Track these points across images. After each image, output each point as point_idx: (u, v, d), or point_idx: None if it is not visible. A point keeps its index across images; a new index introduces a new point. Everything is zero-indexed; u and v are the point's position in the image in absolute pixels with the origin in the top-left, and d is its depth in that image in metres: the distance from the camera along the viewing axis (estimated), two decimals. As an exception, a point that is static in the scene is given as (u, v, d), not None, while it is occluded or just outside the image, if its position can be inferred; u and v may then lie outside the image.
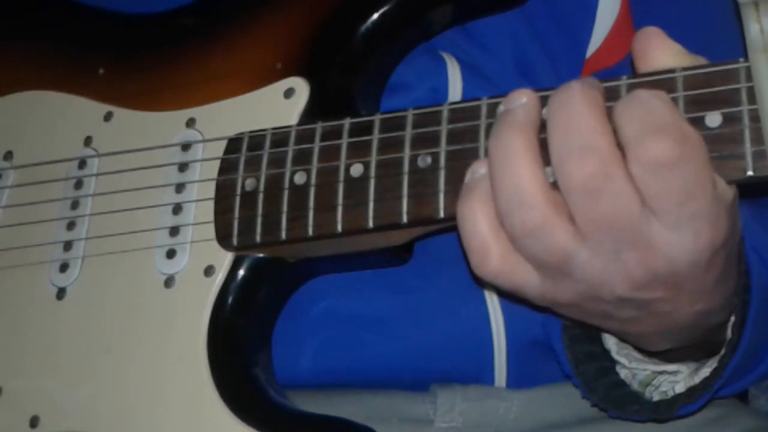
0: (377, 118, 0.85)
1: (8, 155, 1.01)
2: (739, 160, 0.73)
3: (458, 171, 0.80)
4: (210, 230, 0.90)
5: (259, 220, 0.87)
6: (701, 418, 0.96)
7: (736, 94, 0.73)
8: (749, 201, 0.89)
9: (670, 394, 0.91)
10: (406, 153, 0.83)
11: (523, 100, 0.75)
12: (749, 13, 0.70)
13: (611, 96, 0.75)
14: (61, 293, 0.95)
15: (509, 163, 0.73)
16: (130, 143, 0.96)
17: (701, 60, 0.76)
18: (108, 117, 0.98)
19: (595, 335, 0.92)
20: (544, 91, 0.77)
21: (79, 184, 0.97)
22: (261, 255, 0.89)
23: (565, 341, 0.93)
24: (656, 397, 0.92)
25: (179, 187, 0.92)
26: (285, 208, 0.87)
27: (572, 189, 0.72)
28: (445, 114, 0.82)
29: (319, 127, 0.88)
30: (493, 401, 0.98)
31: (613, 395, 0.92)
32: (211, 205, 0.90)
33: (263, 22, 0.97)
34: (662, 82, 0.75)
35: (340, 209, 0.85)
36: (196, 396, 0.88)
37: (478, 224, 0.75)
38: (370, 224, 0.84)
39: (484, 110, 0.81)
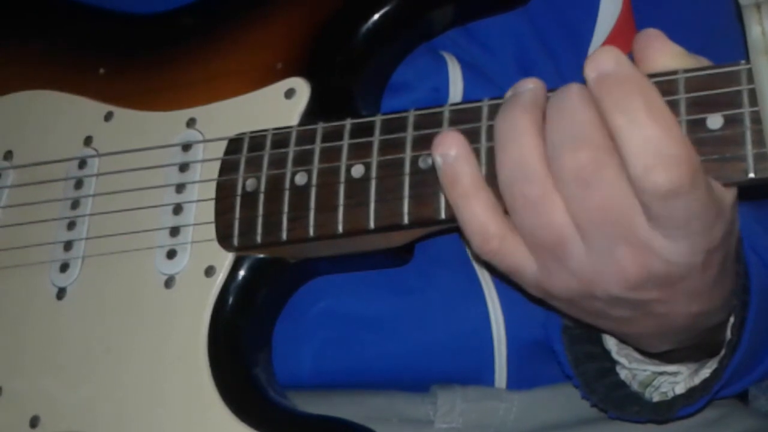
0: (378, 119, 0.85)
1: (8, 155, 1.01)
2: (740, 162, 0.72)
3: (459, 172, 0.80)
4: (210, 231, 0.90)
5: (260, 220, 0.87)
6: (701, 419, 0.96)
7: (738, 96, 0.73)
8: (750, 203, 0.89)
9: (670, 395, 0.91)
10: (408, 154, 0.83)
11: (529, 86, 0.76)
12: (751, 14, 0.70)
13: None
14: (61, 293, 0.94)
15: (515, 137, 0.74)
16: (130, 143, 0.96)
17: (702, 60, 0.76)
18: (108, 117, 0.98)
19: (596, 336, 0.92)
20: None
21: (79, 184, 0.97)
22: (261, 255, 0.89)
23: (565, 342, 0.93)
24: (656, 398, 0.92)
25: (180, 188, 0.92)
26: (286, 208, 0.87)
27: (566, 179, 0.72)
28: (446, 115, 0.82)
29: (320, 127, 0.87)
30: (493, 402, 0.98)
31: (613, 396, 0.93)
32: (211, 205, 0.90)
33: (264, 22, 0.97)
34: (664, 83, 0.75)
35: (341, 210, 0.85)
36: (197, 396, 0.88)
37: (475, 210, 0.76)
38: (371, 225, 0.84)
39: (485, 111, 0.81)
